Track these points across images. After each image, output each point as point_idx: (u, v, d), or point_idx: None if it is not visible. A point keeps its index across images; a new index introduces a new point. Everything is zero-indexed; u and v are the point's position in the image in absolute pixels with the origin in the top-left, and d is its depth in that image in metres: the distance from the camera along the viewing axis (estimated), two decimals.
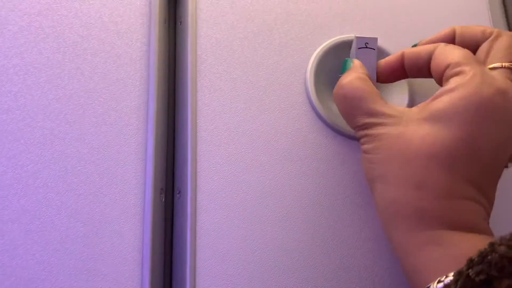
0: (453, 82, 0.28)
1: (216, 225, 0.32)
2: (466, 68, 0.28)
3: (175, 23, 0.39)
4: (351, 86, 0.31)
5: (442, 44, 0.31)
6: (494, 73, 0.29)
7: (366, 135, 0.30)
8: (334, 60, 0.38)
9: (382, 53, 0.39)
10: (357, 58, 0.37)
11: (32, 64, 0.33)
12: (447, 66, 0.29)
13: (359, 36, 0.38)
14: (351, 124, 0.32)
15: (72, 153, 0.32)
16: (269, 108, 0.36)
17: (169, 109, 0.37)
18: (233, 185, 0.34)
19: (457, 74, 0.28)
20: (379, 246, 0.34)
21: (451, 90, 0.28)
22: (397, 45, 0.40)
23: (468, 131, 0.27)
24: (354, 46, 0.38)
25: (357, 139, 0.36)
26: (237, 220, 0.33)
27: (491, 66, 0.30)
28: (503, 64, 0.30)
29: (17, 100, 0.32)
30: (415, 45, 0.36)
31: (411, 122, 0.29)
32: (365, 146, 0.31)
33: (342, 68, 0.35)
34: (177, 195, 0.35)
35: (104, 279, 0.30)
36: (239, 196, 0.33)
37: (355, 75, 0.32)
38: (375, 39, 0.38)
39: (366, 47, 0.38)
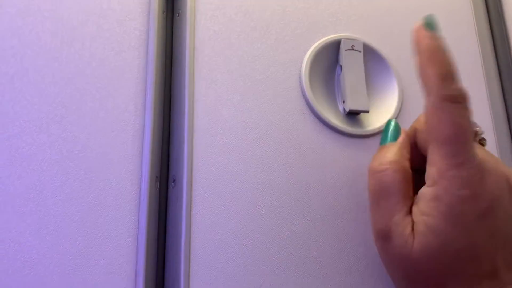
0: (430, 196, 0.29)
1: (211, 214, 0.33)
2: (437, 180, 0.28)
3: (172, 14, 0.40)
4: (388, 177, 0.31)
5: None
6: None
7: (379, 243, 0.31)
8: (328, 58, 0.39)
9: (373, 54, 0.40)
10: (344, 60, 0.38)
11: (29, 47, 0.33)
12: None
13: (345, 38, 0.39)
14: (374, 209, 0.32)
15: (68, 137, 0.32)
16: (265, 101, 0.37)
17: (165, 99, 0.37)
18: (228, 176, 0.34)
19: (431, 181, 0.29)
20: (368, 239, 0.35)
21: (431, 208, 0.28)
22: (390, 45, 0.41)
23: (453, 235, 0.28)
24: (341, 48, 0.39)
25: (348, 135, 0.37)
26: (231, 210, 0.33)
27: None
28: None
29: (13, 82, 0.32)
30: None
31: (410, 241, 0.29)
32: (378, 246, 0.32)
33: (384, 130, 0.34)
34: (172, 183, 0.35)
35: (98, 264, 0.30)
36: (233, 186, 0.34)
37: (395, 167, 0.31)
38: (361, 42, 0.39)
39: (353, 49, 0.39)
